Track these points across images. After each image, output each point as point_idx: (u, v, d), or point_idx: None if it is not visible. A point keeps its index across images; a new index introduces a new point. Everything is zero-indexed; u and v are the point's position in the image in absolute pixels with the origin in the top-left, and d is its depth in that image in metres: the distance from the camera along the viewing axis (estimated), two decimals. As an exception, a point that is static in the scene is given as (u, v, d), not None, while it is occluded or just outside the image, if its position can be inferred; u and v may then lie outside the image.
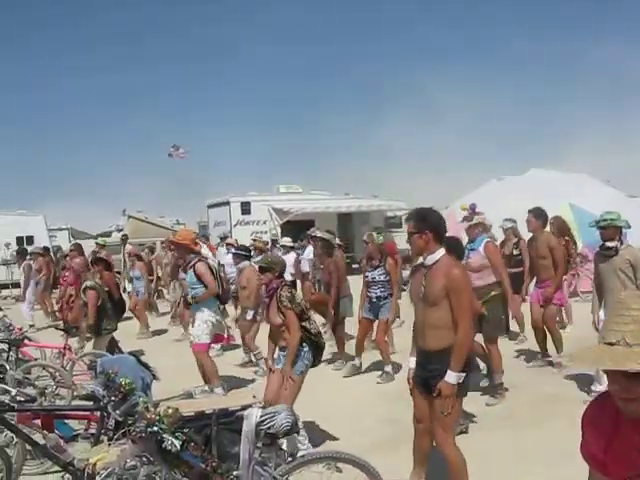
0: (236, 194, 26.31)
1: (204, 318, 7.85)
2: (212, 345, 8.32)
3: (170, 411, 3.73)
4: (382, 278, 8.75)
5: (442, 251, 4.55)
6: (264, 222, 25.16)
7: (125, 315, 15.37)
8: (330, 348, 9.50)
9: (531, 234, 8.61)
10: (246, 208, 25.46)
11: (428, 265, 4.56)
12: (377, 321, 8.84)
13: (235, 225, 24.79)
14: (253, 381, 8.82)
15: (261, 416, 3.91)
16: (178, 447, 3.70)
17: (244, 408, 4.11)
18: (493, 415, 6.79)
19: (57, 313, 15.42)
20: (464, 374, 4.42)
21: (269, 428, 3.89)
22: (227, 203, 25.61)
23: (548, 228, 8.85)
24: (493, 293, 7.40)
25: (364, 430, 6.45)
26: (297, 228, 14.98)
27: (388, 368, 8.54)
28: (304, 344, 5.87)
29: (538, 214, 8.45)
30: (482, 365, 7.61)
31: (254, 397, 4.57)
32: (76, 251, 13.19)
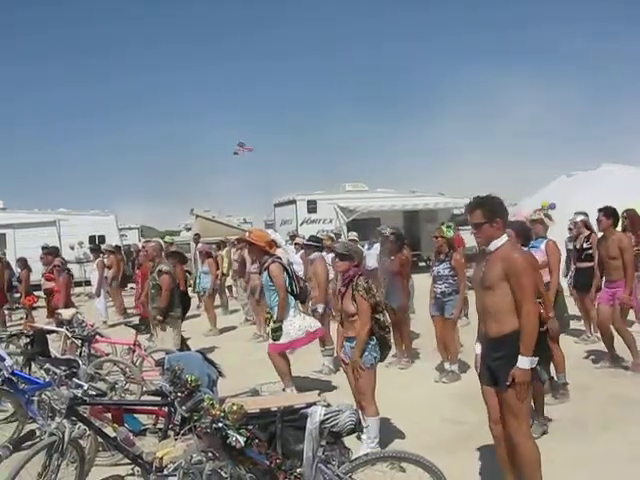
0: (302, 193, 26.43)
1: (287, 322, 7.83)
2: (291, 348, 8.15)
3: (235, 408, 3.78)
4: (446, 272, 8.65)
5: (505, 237, 4.56)
6: (330, 220, 25.20)
7: (193, 313, 15.82)
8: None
9: (602, 233, 8.41)
10: (312, 206, 25.55)
11: (491, 251, 4.57)
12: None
13: (301, 224, 24.91)
14: (319, 380, 8.83)
15: (325, 414, 3.94)
16: (242, 443, 3.75)
17: (308, 406, 4.14)
18: (559, 416, 6.62)
19: (130, 309, 15.92)
20: (537, 358, 4.38)
21: (333, 426, 3.92)
22: (293, 202, 25.75)
23: (619, 227, 8.59)
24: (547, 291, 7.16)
25: (428, 430, 6.40)
26: (363, 226, 14.97)
27: (454, 367, 8.46)
28: (373, 337, 5.79)
29: (609, 213, 8.24)
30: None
31: (319, 395, 4.59)
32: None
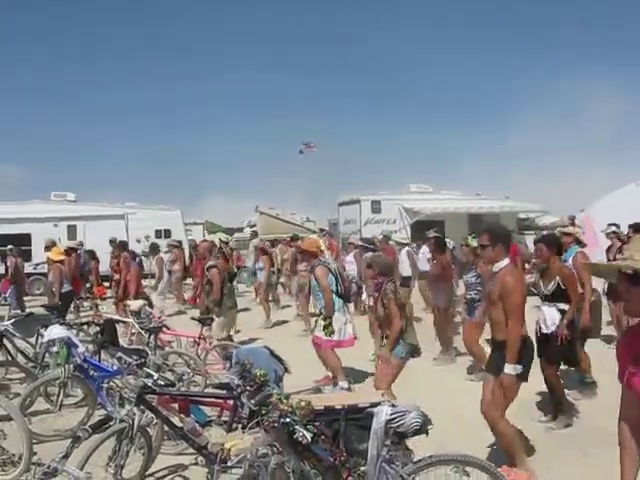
0: (367, 192, 26.38)
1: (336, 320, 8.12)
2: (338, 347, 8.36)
3: (303, 404, 3.85)
4: (473, 280, 8.97)
5: (506, 261, 5.32)
6: (394, 221, 25.05)
7: (246, 306, 16.12)
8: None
9: None
10: (376, 207, 25.44)
11: (495, 272, 5.38)
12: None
13: (365, 224, 24.83)
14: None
15: (391, 414, 3.96)
16: (309, 439, 3.81)
17: (373, 405, 4.17)
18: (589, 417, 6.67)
19: (189, 302, 16.32)
20: (520, 366, 5.08)
21: (398, 427, 3.94)
22: (357, 201, 25.67)
23: None
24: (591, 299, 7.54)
25: (486, 434, 6.35)
26: (427, 228, 14.89)
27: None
28: (403, 332, 6.45)
29: (637, 228, 8.83)
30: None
31: (383, 395, 4.63)
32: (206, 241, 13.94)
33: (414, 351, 6.59)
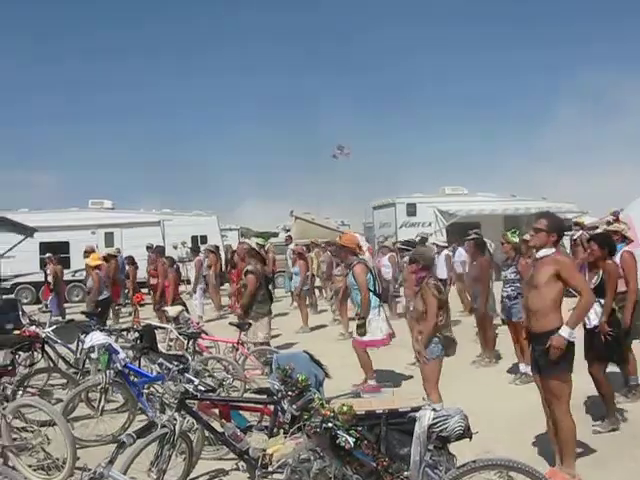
0: (402, 195, 26.32)
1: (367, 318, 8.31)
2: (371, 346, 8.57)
3: (345, 408, 3.84)
4: (513, 277, 8.96)
5: (553, 249, 5.27)
6: (429, 224, 24.99)
7: (284, 311, 16.18)
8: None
9: None
10: (411, 210, 25.41)
11: (538, 258, 5.31)
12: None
13: (400, 227, 24.82)
14: (411, 377, 8.87)
15: (434, 418, 3.92)
16: (352, 444, 3.80)
17: (414, 410, 4.14)
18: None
19: (227, 307, 16.43)
20: (575, 335, 5.08)
21: (441, 431, 3.90)
22: (392, 204, 25.65)
23: None
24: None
25: (527, 439, 6.27)
26: (463, 230, 14.87)
27: (525, 369, 8.32)
28: (437, 334, 6.44)
29: None
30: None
31: (424, 399, 4.59)
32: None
33: (449, 347, 6.57)
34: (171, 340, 9.47)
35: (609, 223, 9.68)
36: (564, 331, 5.00)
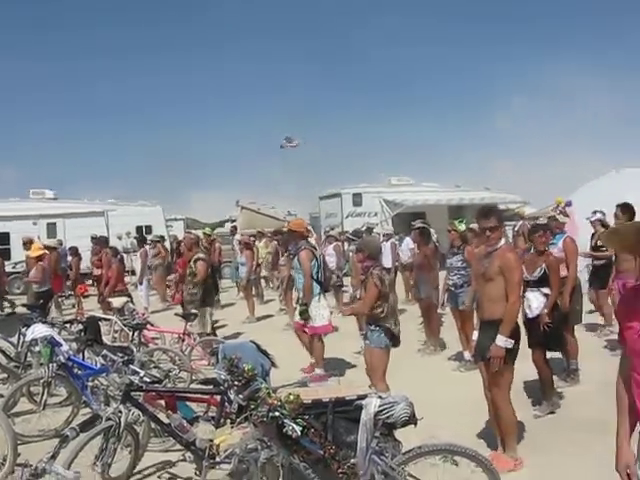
0: (348, 186, 26.38)
1: (315, 306, 8.41)
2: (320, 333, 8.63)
3: (292, 397, 3.85)
4: (459, 265, 9.12)
5: (503, 240, 5.50)
6: (375, 214, 25.12)
7: (231, 301, 16.12)
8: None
9: None
10: (357, 200, 25.50)
11: (491, 251, 5.42)
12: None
13: (346, 217, 24.89)
14: (356, 366, 8.96)
15: (380, 406, 3.96)
16: (299, 433, 3.81)
17: (360, 398, 4.17)
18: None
19: (171, 298, 16.28)
20: (512, 341, 5.21)
21: (387, 418, 3.94)
22: (339, 195, 25.70)
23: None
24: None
25: (472, 425, 6.39)
26: (409, 220, 15.05)
27: (469, 356, 8.48)
28: (380, 325, 6.45)
29: (626, 209, 8.85)
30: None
31: (370, 387, 4.64)
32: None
33: (392, 339, 6.55)
34: (116, 332, 9.33)
35: (559, 213, 9.96)
36: (500, 340, 5.16)
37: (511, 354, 5.27)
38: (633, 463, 2.66)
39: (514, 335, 5.26)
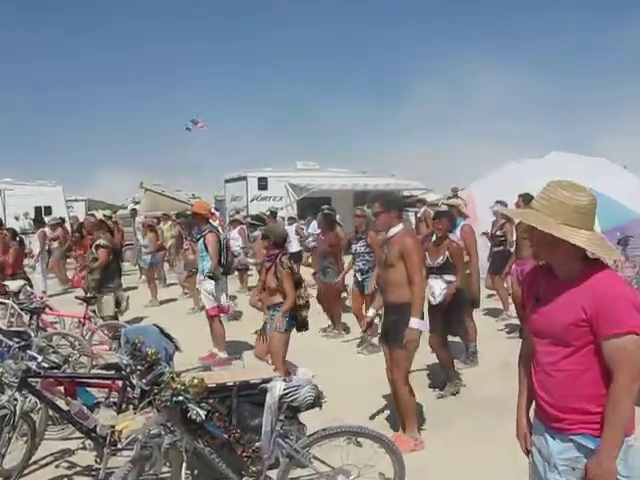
0: (253, 169, 26.25)
1: (209, 288, 8.47)
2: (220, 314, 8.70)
3: (196, 381, 3.81)
4: (362, 250, 9.24)
5: (401, 225, 5.50)
6: (280, 198, 25.09)
7: (133, 285, 15.80)
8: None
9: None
10: (263, 184, 25.39)
11: (389, 237, 5.47)
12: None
13: (252, 200, 24.76)
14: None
15: (285, 389, 3.98)
16: (203, 417, 3.78)
17: (265, 381, 4.18)
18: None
19: (73, 284, 15.78)
20: (426, 322, 5.47)
21: (292, 401, 3.97)
22: (244, 178, 25.52)
23: None
24: (467, 272, 7.73)
25: (375, 406, 6.52)
26: (314, 205, 15.17)
27: (372, 339, 8.71)
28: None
29: (527, 199, 8.97)
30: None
31: (275, 370, 4.65)
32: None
33: (299, 323, 6.63)
34: (12, 316, 8.96)
35: (448, 198, 10.36)
36: (413, 323, 5.20)
37: (446, 342, 5.52)
38: (529, 432, 2.81)
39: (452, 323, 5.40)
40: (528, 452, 2.82)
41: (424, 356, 7.25)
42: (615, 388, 2.40)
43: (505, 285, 10.85)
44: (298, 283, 6.59)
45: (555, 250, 2.53)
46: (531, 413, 2.85)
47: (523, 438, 2.85)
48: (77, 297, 9.13)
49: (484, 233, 10.34)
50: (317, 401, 4.06)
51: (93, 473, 5.02)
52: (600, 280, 2.48)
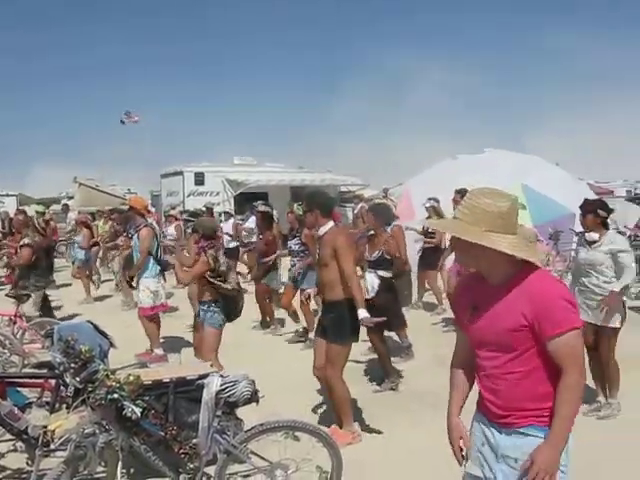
0: (190, 164, 25.97)
1: (146, 284, 8.25)
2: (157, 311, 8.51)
3: (131, 378, 3.76)
4: (297, 248, 9.36)
5: (331, 223, 5.51)
6: (217, 193, 24.88)
7: (67, 282, 15.46)
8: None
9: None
10: (199, 179, 25.08)
11: (320, 235, 5.54)
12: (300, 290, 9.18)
13: (188, 195, 24.46)
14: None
15: (221, 384, 3.96)
16: (138, 414, 3.74)
17: (202, 377, 4.15)
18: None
19: (4, 281, 15.33)
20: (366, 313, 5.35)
21: (229, 397, 3.95)
22: (180, 173, 25.18)
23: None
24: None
25: (312, 401, 6.55)
26: (250, 200, 15.09)
27: (311, 334, 8.71)
28: (218, 302, 6.44)
29: (464, 194, 8.95)
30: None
31: (211, 366, 4.62)
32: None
33: (233, 316, 6.60)
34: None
35: (379, 199, 10.32)
36: (362, 313, 5.27)
37: (354, 329, 5.43)
38: (465, 433, 2.81)
39: (354, 314, 5.34)
40: (463, 458, 2.81)
41: (361, 351, 7.35)
42: (565, 382, 2.46)
43: (439, 280, 11.06)
44: (220, 275, 6.45)
45: (482, 257, 2.56)
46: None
47: (456, 441, 2.82)
48: (7, 295, 8.91)
49: (407, 227, 10.45)
50: (254, 396, 4.05)
51: (24, 476, 4.88)
52: (534, 283, 2.53)
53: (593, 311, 5.80)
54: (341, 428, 5.56)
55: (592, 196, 16.50)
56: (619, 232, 14.31)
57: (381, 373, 7.17)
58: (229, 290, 6.45)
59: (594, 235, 5.93)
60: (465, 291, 2.83)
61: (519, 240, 2.59)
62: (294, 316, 9.60)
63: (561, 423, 2.46)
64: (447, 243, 9.77)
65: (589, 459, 4.87)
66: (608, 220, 6.07)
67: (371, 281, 7.07)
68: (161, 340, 8.54)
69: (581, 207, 6.09)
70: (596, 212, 5.90)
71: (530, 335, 2.49)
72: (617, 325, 5.82)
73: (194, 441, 3.97)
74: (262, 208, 10.37)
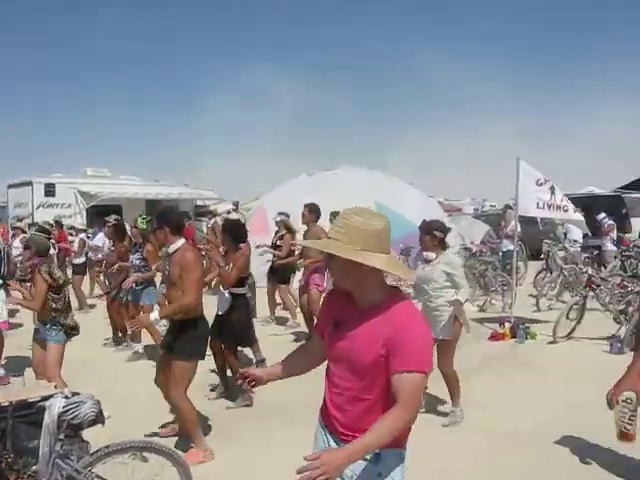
0: (40, 175, 24.84)
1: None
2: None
3: (-38, 404, 3.49)
4: (137, 263, 9.16)
5: (182, 241, 5.46)
6: (69, 205, 23.96)
7: None
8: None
9: (306, 226, 9.58)
10: (50, 190, 24.06)
11: (170, 253, 5.47)
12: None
13: (38, 207, 23.38)
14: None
15: (64, 406, 3.76)
16: (-31, 443, 3.48)
17: (45, 399, 3.92)
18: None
19: None
20: (161, 319, 5.44)
21: (73, 418, 3.75)
22: (29, 184, 24.04)
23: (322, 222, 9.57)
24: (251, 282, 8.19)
25: (163, 419, 6.39)
26: (103, 213, 14.58)
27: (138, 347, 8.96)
28: (56, 322, 6.29)
29: (312, 209, 9.53)
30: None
31: (56, 387, 4.39)
32: None
33: (73, 329, 6.43)
34: None
35: (228, 212, 10.41)
36: (155, 314, 5.35)
37: (199, 347, 5.41)
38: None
39: (202, 332, 5.44)
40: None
41: (214, 367, 7.25)
42: (394, 412, 2.44)
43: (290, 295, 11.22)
44: (56, 291, 6.31)
45: (356, 277, 2.56)
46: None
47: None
48: None
49: (258, 246, 10.47)
50: (100, 417, 3.87)
51: None
52: (399, 314, 2.54)
53: (429, 324, 6.05)
54: (192, 447, 5.47)
55: (441, 213, 17.44)
56: (465, 248, 15.22)
57: (236, 389, 7.10)
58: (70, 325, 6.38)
59: (431, 255, 6.30)
60: (332, 304, 2.82)
61: (393, 259, 2.64)
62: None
63: (369, 439, 2.42)
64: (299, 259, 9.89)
65: (441, 467, 5.08)
66: (446, 239, 6.43)
67: (221, 299, 7.05)
68: (3, 361, 8.05)
69: (420, 228, 6.43)
70: (432, 233, 6.28)
71: (385, 365, 2.49)
72: (448, 337, 6.07)
73: (34, 468, 3.73)
74: (113, 221, 10.05)
